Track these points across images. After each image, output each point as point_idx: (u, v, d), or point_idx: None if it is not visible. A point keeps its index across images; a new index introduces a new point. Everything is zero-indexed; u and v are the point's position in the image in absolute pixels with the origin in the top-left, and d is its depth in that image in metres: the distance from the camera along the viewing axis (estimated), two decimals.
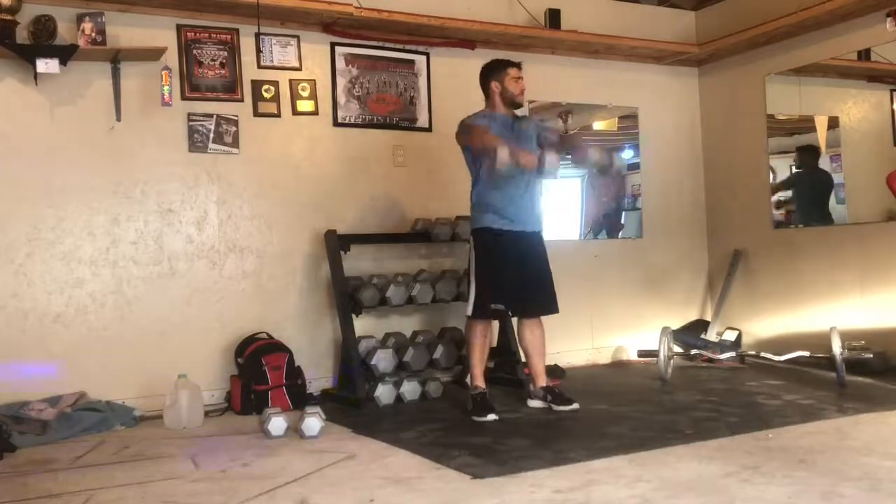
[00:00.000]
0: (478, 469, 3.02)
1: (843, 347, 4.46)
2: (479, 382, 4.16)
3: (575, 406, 4.08)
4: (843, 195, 5.54)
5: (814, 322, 5.34)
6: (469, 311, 4.15)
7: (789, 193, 5.89)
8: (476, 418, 3.97)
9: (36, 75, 4.12)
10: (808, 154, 5.77)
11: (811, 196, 5.78)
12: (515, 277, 4.13)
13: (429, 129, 5.28)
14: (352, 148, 5.03)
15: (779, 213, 5.83)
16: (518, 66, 4.28)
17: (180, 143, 4.57)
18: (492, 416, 3.96)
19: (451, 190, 5.28)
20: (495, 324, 5.08)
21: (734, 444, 3.28)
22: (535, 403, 4.24)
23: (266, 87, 4.79)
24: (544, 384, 4.24)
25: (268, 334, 4.63)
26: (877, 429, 3.51)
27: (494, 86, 4.23)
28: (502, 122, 4.21)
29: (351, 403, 4.41)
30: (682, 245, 6.21)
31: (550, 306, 4.25)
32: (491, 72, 4.26)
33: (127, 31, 4.41)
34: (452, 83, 5.33)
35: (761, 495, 2.60)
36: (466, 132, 4.14)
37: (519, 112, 4.39)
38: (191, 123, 4.58)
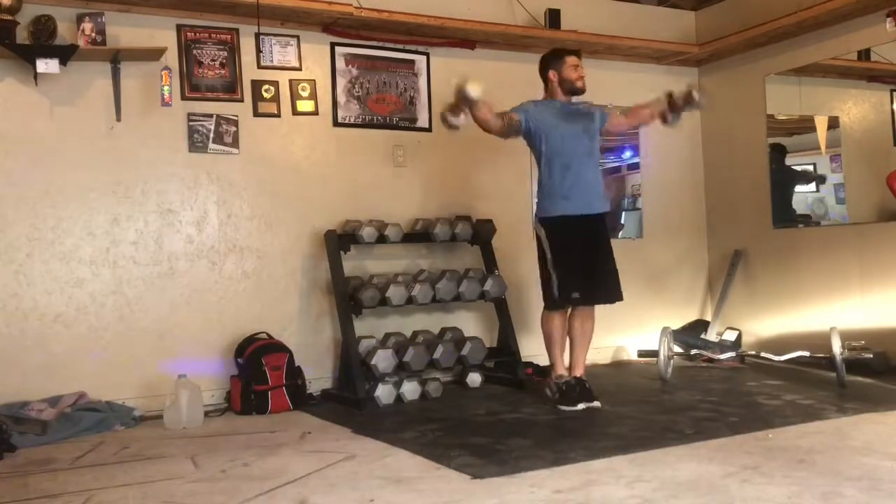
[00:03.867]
0: (478, 469, 3.02)
1: (843, 347, 4.45)
2: (562, 371, 4.25)
3: (596, 404, 4.11)
4: (843, 195, 5.55)
5: (814, 322, 5.34)
6: (554, 303, 4.19)
7: None
8: (565, 408, 4.05)
9: (36, 75, 4.12)
10: (775, 152, 5.78)
11: (779, 194, 5.78)
12: (588, 265, 4.17)
13: (429, 129, 5.27)
14: (352, 148, 5.03)
15: None
16: (576, 53, 4.34)
17: (180, 143, 4.57)
18: (582, 406, 4.04)
19: (452, 190, 5.30)
20: (495, 324, 5.10)
21: (734, 444, 3.29)
22: (579, 406, 4.12)
23: (266, 87, 4.79)
24: (579, 374, 4.24)
25: (268, 334, 4.63)
26: (877, 429, 3.51)
27: (552, 74, 4.30)
28: (560, 107, 4.26)
29: (351, 403, 4.42)
30: (682, 245, 6.21)
31: (618, 294, 4.28)
32: (549, 61, 4.33)
33: (127, 31, 4.41)
34: (452, 83, 5.32)
35: (761, 495, 2.59)
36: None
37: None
38: (191, 123, 4.58)
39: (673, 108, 4.18)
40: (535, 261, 4.40)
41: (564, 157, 4.18)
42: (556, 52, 4.38)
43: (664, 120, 4.25)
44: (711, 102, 6.12)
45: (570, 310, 4.33)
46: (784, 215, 5.73)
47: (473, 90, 3.84)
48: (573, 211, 4.18)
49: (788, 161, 5.86)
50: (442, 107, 4.10)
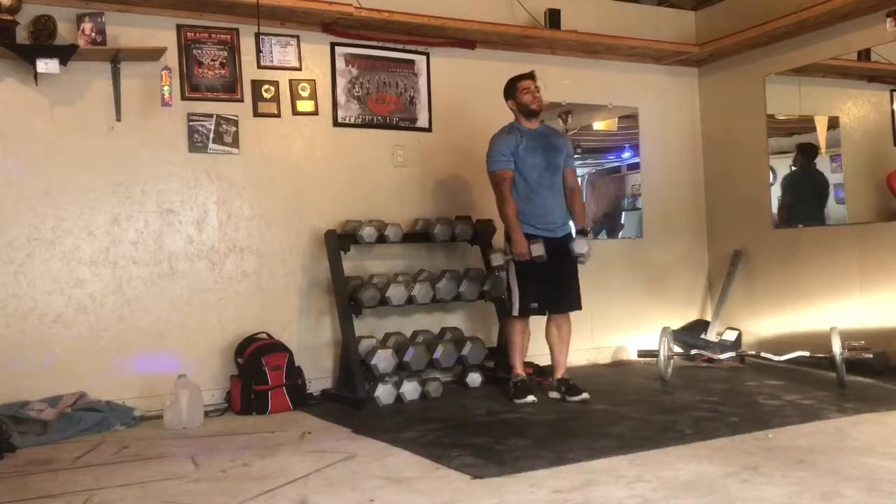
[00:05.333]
0: (478, 469, 3.02)
1: (843, 347, 4.45)
2: (520, 371, 4.51)
3: (585, 396, 4.30)
4: (843, 195, 5.55)
5: (814, 322, 5.34)
6: (515, 312, 4.46)
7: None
8: (517, 401, 4.33)
9: (36, 75, 4.12)
10: (805, 153, 5.76)
11: (806, 196, 5.77)
12: (549, 279, 4.41)
13: (429, 129, 5.27)
14: (352, 148, 5.03)
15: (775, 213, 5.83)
16: (529, 76, 4.55)
17: (180, 143, 4.57)
18: (531, 398, 4.33)
19: (452, 190, 5.30)
20: (495, 324, 5.10)
21: (734, 444, 3.29)
22: (553, 395, 4.46)
23: (266, 87, 4.79)
24: (560, 376, 4.47)
25: (268, 334, 4.63)
26: (877, 429, 3.51)
27: (511, 104, 4.57)
28: (529, 134, 4.48)
29: (351, 403, 4.42)
30: (682, 245, 6.21)
31: (576, 304, 4.56)
32: (506, 93, 4.60)
33: (127, 31, 4.41)
34: (452, 83, 5.34)
35: (761, 495, 2.60)
36: (492, 166, 4.47)
37: (546, 122, 4.71)
38: (191, 123, 4.58)
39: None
40: None
41: (528, 188, 4.44)
42: (510, 82, 4.58)
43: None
44: (711, 102, 6.19)
45: (546, 318, 4.53)
46: (816, 218, 5.68)
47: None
48: (535, 232, 4.41)
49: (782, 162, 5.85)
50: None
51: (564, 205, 4.55)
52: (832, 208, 5.59)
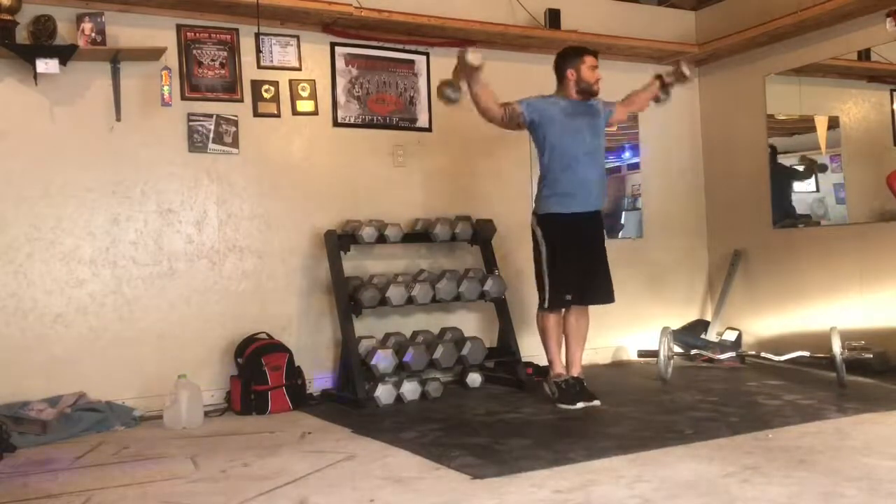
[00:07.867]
0: (478, 469, 3.02)
1: (843, 347, 4.45)
2: (561, 370, 4.28)
3: (596, 402, 4.13)
4: (843, 195, 5.55)
5: (814, 322, 5.34)
6: (546, 304, 4.23)
7: None
8: (564, 406, 4.08)
9: (36, 75, 4.12)
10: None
11: (775, 193, 5.78)
12: (581, 266, 4.21)
13: (429, 129, 5.27)
14: (352, 148, 5.03)
15: None
16: (595, 54, 4.34)
17: (180, 143, 4.57)
18: (581, 404, 4.05)
19: (452, 190, 5.30)
20: (495, 324, 5.10)
21: (734, 444, 3.28)
22: (578, 405, 4.16)
23: (266, 87, 4.79)
24: (576, 374, 4.28)
25: (268, 334, 4.63)
26: (877, 429, 3.51)
27: (570, 73, 4.28)
28: (565, 105, 4.25)
29: (351, 403, 4.42)
30: (682, 245, 6.21)
31: (610, 295, 4.36)
32: (567, 59, 4.31)
33: (127, 31, 4.41)
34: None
35: (761, 495, 2.59)
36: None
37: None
38: (191, 123, 4.58)
39: (664, 88, 4.45)
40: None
41: (565, 157, 4.21)
42: (576, 49, 4.36)
43: (656, 100, 4.51)
44: (711, 102, 6.19)
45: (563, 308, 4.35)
46: (782, 214, 5.73)
47: (474, 57, 3.84)
48: (570, 209, 4.22)
49: (783, 160, 5.85)
50: (441, 90, 4.18)
51: (604, 175, 4.35)
52: (832, 208, 5.59)
